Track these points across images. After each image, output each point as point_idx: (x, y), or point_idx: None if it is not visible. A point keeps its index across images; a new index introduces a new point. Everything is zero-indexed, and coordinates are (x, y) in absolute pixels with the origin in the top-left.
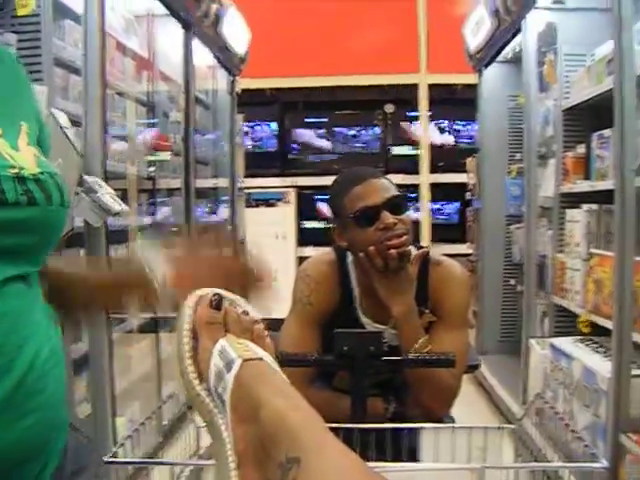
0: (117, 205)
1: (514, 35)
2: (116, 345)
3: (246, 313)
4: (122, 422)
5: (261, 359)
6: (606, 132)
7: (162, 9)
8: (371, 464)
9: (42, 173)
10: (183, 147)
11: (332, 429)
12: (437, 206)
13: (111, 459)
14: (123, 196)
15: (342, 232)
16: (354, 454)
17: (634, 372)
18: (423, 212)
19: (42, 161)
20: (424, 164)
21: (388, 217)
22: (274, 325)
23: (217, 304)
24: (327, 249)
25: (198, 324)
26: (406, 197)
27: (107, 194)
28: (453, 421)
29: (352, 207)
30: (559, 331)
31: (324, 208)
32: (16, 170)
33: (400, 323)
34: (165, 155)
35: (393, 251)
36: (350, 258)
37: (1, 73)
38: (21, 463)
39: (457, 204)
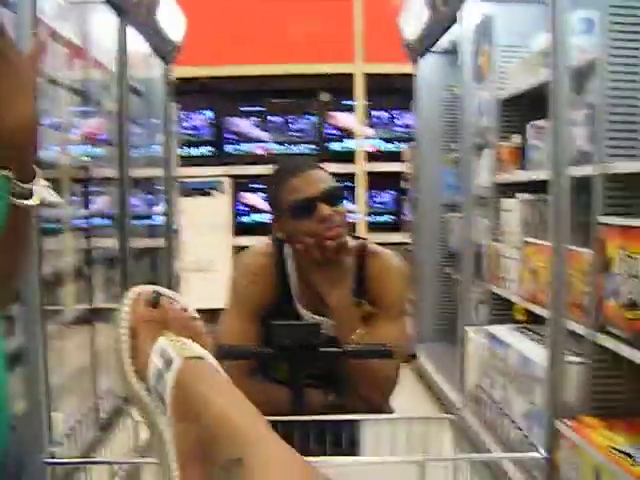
0: (50, 196)
1: (450, 25)
2: (51, 338)
3: (184, 310)
4: (59, 417)
5: (200, 357)
6: (541, 122)
7: None
8: (312, 459)
9: None
10: (117, 136)
11: (271, 422)
12: (373, 195)
13: (50, 459)
14: (56, 186)
15: (279, 223)
16: (295, 451)
17: (569, 359)
18: (359, 201)
19: None
20: (360, 153)
21: (324, 209)
22: (212, 316)
23: (155, 301)
24: (264, 240)
25: (136, 322)
26: (342, 188)
27: (41, 185)
28: (393, 412)
29: (288, 199)
30: (495, 319)
31: (253, 199)
32: None
33: (337, 314)
34: (99, 146)
35: (330, 242)
36: (287, 249)
37: None
38: None
39: (393, 193)
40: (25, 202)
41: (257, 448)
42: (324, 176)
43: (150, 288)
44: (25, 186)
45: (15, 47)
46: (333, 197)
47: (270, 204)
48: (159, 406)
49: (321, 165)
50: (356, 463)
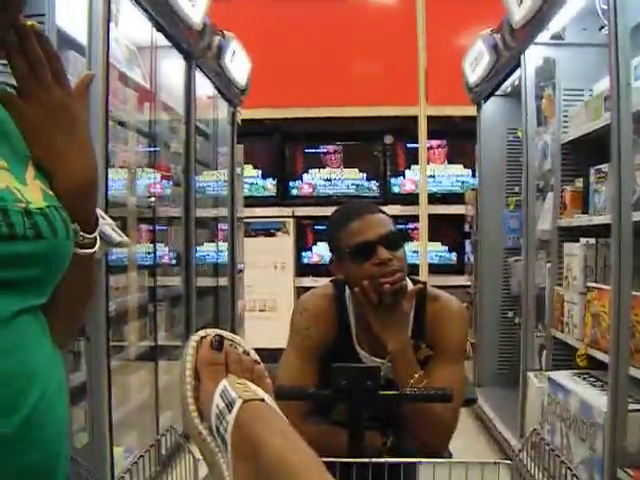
0: (118, 236)
1: (513, 69)
2: (114, 374)
3: (246, 353)
4: (119, 452)
5: (262, 400)
6: (604, 167)
7: (165, 40)
8: None
9: (48, 207)
10: (184, 177)
11: (330, 463)
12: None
13: None
14: (123, 225)
15: (339, 265)
16: None
17: (631, 407)
18: (422, 244)
19: (48, 195)
20: (423, 195)
21: (383, 253)
22: (272, 355)
23: (218, 345)
24: (325, 283)
25: (200, 365)
26: (402, 233)
27: (107, 225)
28: (451, 455)
29: (348, 242)
30: (557, 364)
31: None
32: (23, 204)
33: (395, 358)
34: (167, 186)
35: (387, 287)
36: (348, 292)
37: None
38: None
39: (456, 235)
40: (88, 251)
41: None
42: (384, 220)
43: (214, 332)
44: (89, 236)
45: (65, 83)
46: (392, 241)
47: (330, 246)
48: (219, 446)
49: (382, 209)
50: None
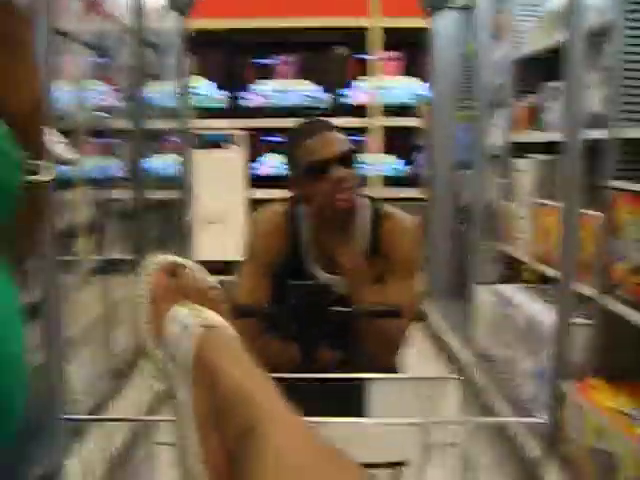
0: (68, 154)
1: None
2: (66, 290)
3: (203, 280)
4: (72, 369)
5: (218, 325)
6: (556, 84)
7: None
8: (316, 419)
9: None
10: (133, 89)
11: (280, 379)
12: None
13: (69, 416)
14: (71, 139)
15: (295, 183)
16: (307, 423)
17: (576, 321)
18: (374, 156)
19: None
20: (375, 106)
21: (338, 170)
22: (225, 268)
23: (174, 271)
24: (281, 200)
25: (155, 290)
26: (356, 151)
27: (58, 142)
28: (402, 371)
29: (304, 160)
30: (505, 278)
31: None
32: None
33: (348, 274)
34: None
35: (341, 203)
36: (302, 208)
37: None
38: None
39: (408, 148)
40: (38, 178)
41: (270, 418)
42: (339, 138)
43: (170, 257)
44: (37, 162)
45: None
46: (347, 159)
47: (287, 164)
48: (177, 371)
49: (336, 126)
50: (359, 425)
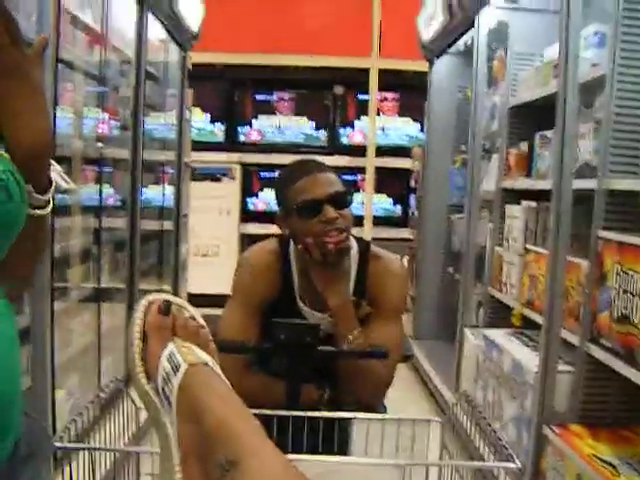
0: (64, 182)
1: (467, 30)
2: (57, 316)
3: (193, 318)
4: (61, 395)
5: (205, 364)
6: (549, 133)
7: None
8: (300, 456)
9: (3, 171)
10: (132, 121)
11: (267, 416)
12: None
13: (60, 444)
14: (68, 167)
15: (285, 221)
16: (288, 460)
17: (560, 367)
18: (367, 196)
19: (2, 159)
20: (370, 148)
21: (330, 211)
22: (215, 301)
23: (166, 309)
24: (270, 239)
25: (148, 328)
26: (349, 193)
27: (54, 171)
28: (385, 410)
29: (296, 199)
30: (493, 322)
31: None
32: None
33: (336, 314)
34: (114, 127)
35: (332, 246)
36: (292, 247)
37: None
38: None
39: (401, 189)
40: (40, 212)
41: (253, 454)
42: (332, 179)
43: (162, 297)
44: (42, 197)
45: (21, 44)
46: (340, 200)
47: (277, 201)
48: (165, 406)
49: (330, 167)
50: (342, 463)
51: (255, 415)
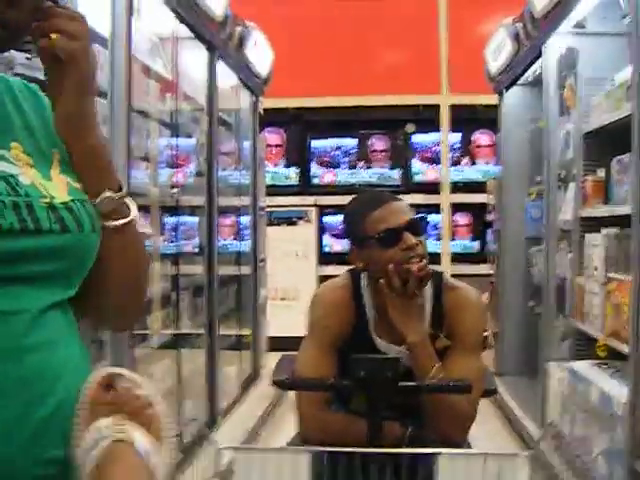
0: (143, 228)
1: (535, 59)
2: (138, 363)
3: (139, 396)
4: None
5: (131, 443)
6: (625, 157)
7: (187, 31)
8: None
9: (73, 201)
10: (206, 166)
11: (350, 453)
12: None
13: None
14: (145, 214)
15: (360, 254)
16: None
17: None
18: (444, 232)
19: (73, 189)
20: (445, 183)
21: (410, 238)
22: (296, 343)
23: (108, 385)
24: (342, 274)
25: (92, 403)
26: (426, 220)
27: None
28: (469, 446)
29: (373, 229)
30: (577, 355)
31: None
32: (48, 200)
33: (414, 350)
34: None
35: (415, 271)
36: (365, 281)
37: (28, 104)
38: None
39: (477, 224)
40: (117, 223)
41: None
42: (406, 207)
43: (110, 370)
44: (115, 195)
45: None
46: (417, 227)
47: (349, 235)
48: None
49: (398, 197)
50: None
51: (338, 453)
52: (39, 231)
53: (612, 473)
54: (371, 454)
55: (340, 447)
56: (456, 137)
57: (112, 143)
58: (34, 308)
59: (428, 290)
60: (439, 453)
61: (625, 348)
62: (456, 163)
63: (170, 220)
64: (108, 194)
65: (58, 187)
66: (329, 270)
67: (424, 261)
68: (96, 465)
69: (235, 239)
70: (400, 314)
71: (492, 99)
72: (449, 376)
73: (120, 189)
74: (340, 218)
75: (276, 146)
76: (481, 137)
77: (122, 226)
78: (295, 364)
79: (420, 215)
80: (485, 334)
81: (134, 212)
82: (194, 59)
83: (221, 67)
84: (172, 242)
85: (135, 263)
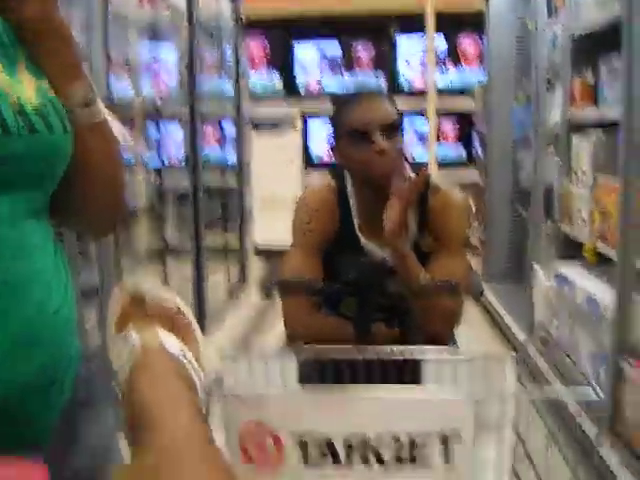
0: (121, 137)
1: None
2: (125, 274)
3: (169, 305)
4: None
5: (163, 347)
6: (614, 59)
7: None
8: (373, 389)
9: (42, 103)
10: (187, 74)
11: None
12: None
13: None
14: (128, 125)
15: (339, 150)
16: (201, 429)
17: (636, 299)
18: (430, 138)
19: (42, 88)
20: (431, 88)
21: (379, 140)
22: (282, 250)
23: (139, 296)
24: (325, 176)
25: (122, 316)
26: (401, 121)
27: (115, 127)
28: (456, 344)
29: (347, 125)
30: (565, 259)
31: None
32: (16, 102)
33: (396, 263)
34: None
35: (381, 173)
36: (349, 180)
37: None
38: (34, 394)
39: (464, 129)
40: (93, 117)
41: (155, 425)
42: (385, 106)
43: (137, 284)
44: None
45: None
46: (390, 128)
47: (333, 128)
48: (117, 388)
49: (390, 96)
50: (414, 395)
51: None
52: (7, 133)
53: (598, 375)
54: (359, 360)
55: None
56: (442, 42)
57: (89, 50)
58: (5, 214)
59: (414, 192)
60: (426, 355)
61: (612, 252)
62: (442, 69)
63: (154, 130)
64: (81, 82)
65: (27, 88)
66: (315, 176)
67: (394, 162)
68: (130, 373)
69: (220, 148)
70: (381, 212)
71: (478, 3)
72: (435, 276)
73: (91, 87)
74: (326, 124)
75: (259, 53)
76: (465, 42)
77: (97, 124)
78: (281, 269)
79: (396, 116)
80: (469, 237)
81: (105, 112)
82: None
83: None
84: (156, 152)
85: (111, 163)
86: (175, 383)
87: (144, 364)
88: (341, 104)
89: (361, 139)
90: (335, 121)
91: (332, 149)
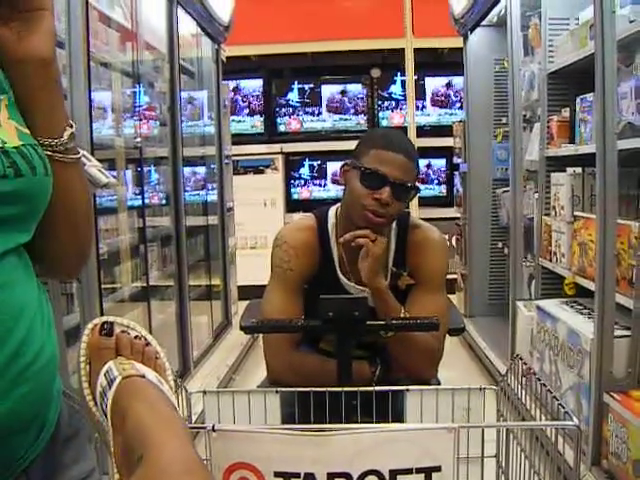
0: (104, 177)
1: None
2: (107, 315)
3: (139, 337)
4: None
5: (143, 376)
6: (589, 96)
7: None
8: (355, 425)
9: (24, 146)
10: (169, 116)
11: (319, 393)
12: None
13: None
14: (110, 167)
15: (347, 172)
16: (192, 451)
17: (617, 333)
18: None
19: (23, 134)
20: (411, 126)
21: (387, 193)
22: (264, 291)
23: (107, 331)
24: (306, 215)
25: (91, 350)
26: (416, 191)
27: (94, 167)
28: (439, 384)
29: (368, 161)
30: (546, 293)
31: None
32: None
33: (377, 300)
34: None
35: (370, 223)
36: (331, 221)
37: None
38: (17, 431)
39: (444, 167)
40: (76, 156)
41: (153, 446)
42: (407, 168)
43: (106, 318)
44: (58, 139)
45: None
46: (401, 190)
47: (354, 153)
48: (104, 421)
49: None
50: (396, 430)
51: (309, 393)
52: None
53: (580, 407)
54: (341, 393)
55: (311, 387)
56: (420, 82)
57: (72, 94)
58: None
59: (393, 229)
60: (408, 390)
61: (591, 285)
62: (420, 107)
63: (135, 172)
64: (72, 130)
65: (8, 132)
66: (297, 217)
67: (385, 220)
68: (113, 402)
69: (202, 189)
70: (361, 259)
71: (456, 42)
72: (414, 314)
73: (72, 126)
74: (307, 165)
75: (240, 94)
76: (436, 81)
77: (76, 160)
78: (262, 308)
79: (412, 183)
80: (453, 277)
81: (82, 152)
82: (153, 7)
83: (181, 14)
84: (138, 194)
85: (82, 199)
86: (167, 408)
87: (133, 392)
88: (376, 137)
89: (374, 180)
90: (360, 149)
91: (344, 166)
